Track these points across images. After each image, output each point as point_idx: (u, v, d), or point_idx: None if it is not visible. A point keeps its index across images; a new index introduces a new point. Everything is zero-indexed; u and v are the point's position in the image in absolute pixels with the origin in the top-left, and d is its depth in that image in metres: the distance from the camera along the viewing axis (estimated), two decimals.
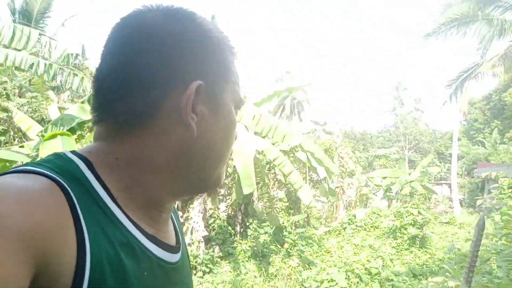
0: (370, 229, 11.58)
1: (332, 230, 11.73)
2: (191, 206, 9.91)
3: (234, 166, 10.15)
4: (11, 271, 0.35)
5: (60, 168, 0.46)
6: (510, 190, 4.77)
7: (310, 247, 10.13)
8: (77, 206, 0.43)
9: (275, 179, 11.52)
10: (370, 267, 7.86)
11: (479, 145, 27.24)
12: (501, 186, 4.65)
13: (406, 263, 8.47)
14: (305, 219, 12.55)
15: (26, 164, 0.47)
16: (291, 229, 11.00)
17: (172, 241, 0.61)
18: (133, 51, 0.51)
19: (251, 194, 8.69)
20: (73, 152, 0.52)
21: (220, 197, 10.11)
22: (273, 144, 9.53)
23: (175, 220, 0.67)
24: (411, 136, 33.98)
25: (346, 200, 15.00)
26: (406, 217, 10.14)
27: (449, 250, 3.84)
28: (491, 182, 19.27)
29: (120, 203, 0.50)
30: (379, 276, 7.59)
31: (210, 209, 9.22)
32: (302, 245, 9.92)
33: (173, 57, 0.52)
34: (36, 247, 0.38)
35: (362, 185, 15.85)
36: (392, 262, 8.57)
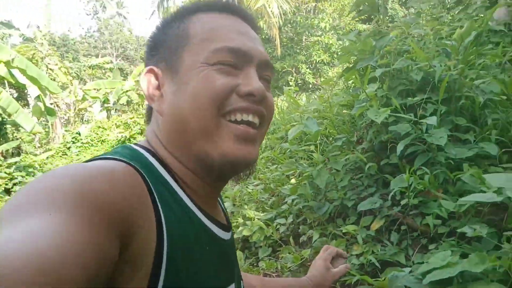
0: (97, 144, 11.40)
1: (55, 153, 10.60)
2: None
3: None
4: (103, 240, 0.36)
5: (130, 156, 0.51)
6: None
7: (33, 176, 8.93)
8: (152, 187, 0.47)
9: None
10: None
11: None
12: None
13: None
14: (16, 147, 10.54)
15: (103, 154, 0.51)
16: (0, 161, 9.07)
17: (223, 220, 0.65)
18: None
19: None
20: (135, 144, 0.58)
21: None
22: None
23: (221, 202, 0.73)
24: (117, 43, 33.27)
25: (63, 118, 13.48)
26: (134, 127, 10.68)
27: None
28: None
29: (182, 182, 0.55)
30: None
31: None
32: (23, 177, 8.59)
33: None
34: (124, 220, 0.40)
35: (79, 99, 14.63)
36: None
